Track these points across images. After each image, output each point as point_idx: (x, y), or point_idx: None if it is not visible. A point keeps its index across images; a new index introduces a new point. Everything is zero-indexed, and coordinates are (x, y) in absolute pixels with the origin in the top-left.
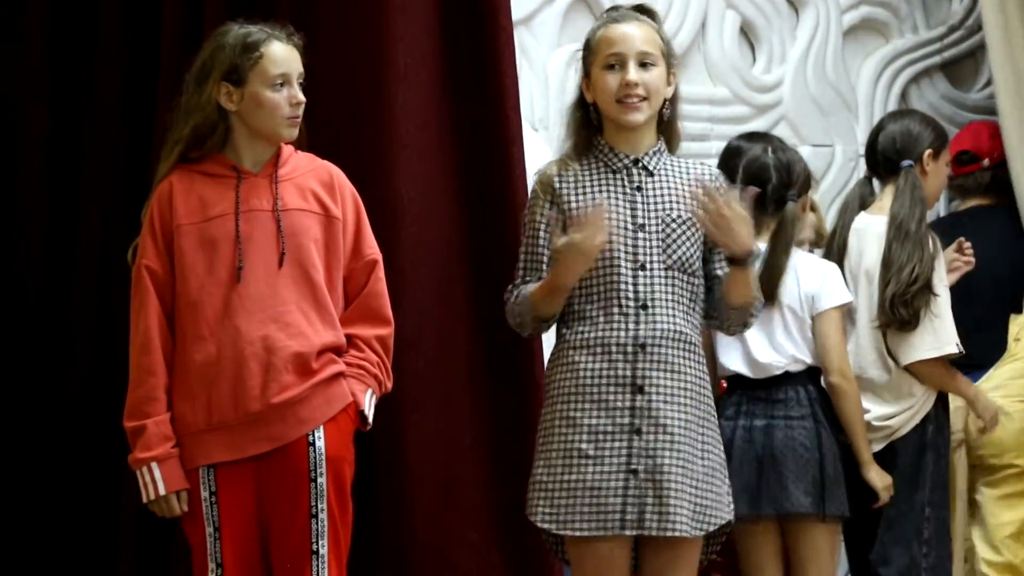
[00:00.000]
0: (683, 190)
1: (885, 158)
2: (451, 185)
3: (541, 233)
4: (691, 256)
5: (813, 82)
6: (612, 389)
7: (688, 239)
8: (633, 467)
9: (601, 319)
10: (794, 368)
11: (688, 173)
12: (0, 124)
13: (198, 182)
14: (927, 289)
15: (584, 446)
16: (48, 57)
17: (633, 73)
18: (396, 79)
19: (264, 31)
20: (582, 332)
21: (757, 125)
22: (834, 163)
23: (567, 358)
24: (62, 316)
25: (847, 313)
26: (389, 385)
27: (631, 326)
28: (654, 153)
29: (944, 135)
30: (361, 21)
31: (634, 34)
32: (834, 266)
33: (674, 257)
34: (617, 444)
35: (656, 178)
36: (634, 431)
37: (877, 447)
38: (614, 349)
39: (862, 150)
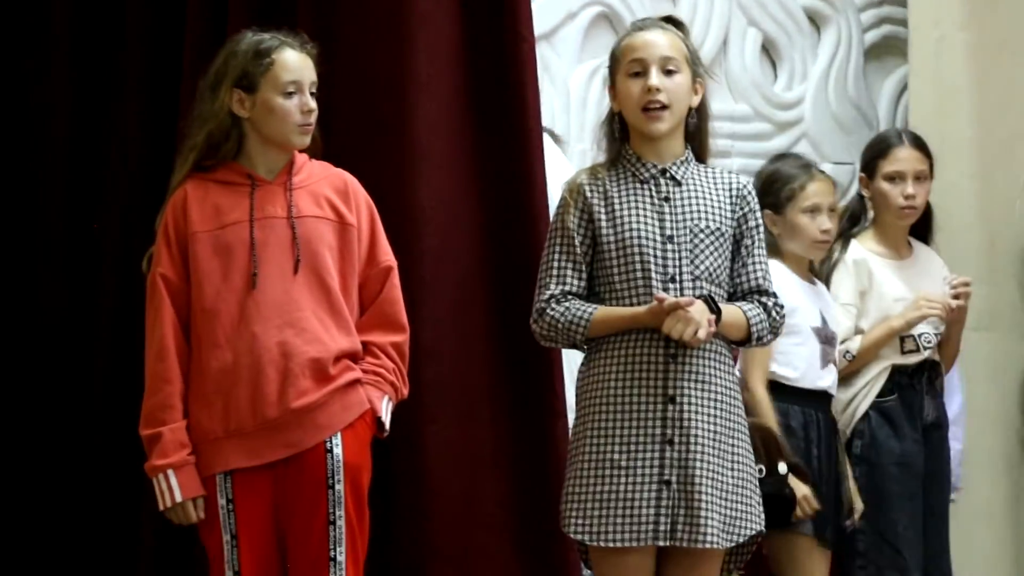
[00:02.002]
0: (711, 200)
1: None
2: (471, 196)
3: (576, 240)
4: (719, 267)
5: (834, 100)
6: (644, 399)
7: (716, 250)
8: (666, 478)
9: (632, 331)
10: None
11: (716, 182)
12: (23, 130)
13: (212, 190)
14: None
15: (616, 456)
16: (71, 65)
17: (655, 78)
18: (418, 89)
19: (277, 38)
20: (614, 343)
21: (778, 142)
22: (855, 181)
23: (599, 370)
24: (85, 324)
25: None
26: (405, 392)
27: (662, 337)
28: (681, 163)
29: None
30: (383, 32)
31: (657, 41)
32: None
33: (701, 268)
34: (649, 454)
35: (684, 188)
36: (666, 441)
37: None
38: (645, 360)
39: None
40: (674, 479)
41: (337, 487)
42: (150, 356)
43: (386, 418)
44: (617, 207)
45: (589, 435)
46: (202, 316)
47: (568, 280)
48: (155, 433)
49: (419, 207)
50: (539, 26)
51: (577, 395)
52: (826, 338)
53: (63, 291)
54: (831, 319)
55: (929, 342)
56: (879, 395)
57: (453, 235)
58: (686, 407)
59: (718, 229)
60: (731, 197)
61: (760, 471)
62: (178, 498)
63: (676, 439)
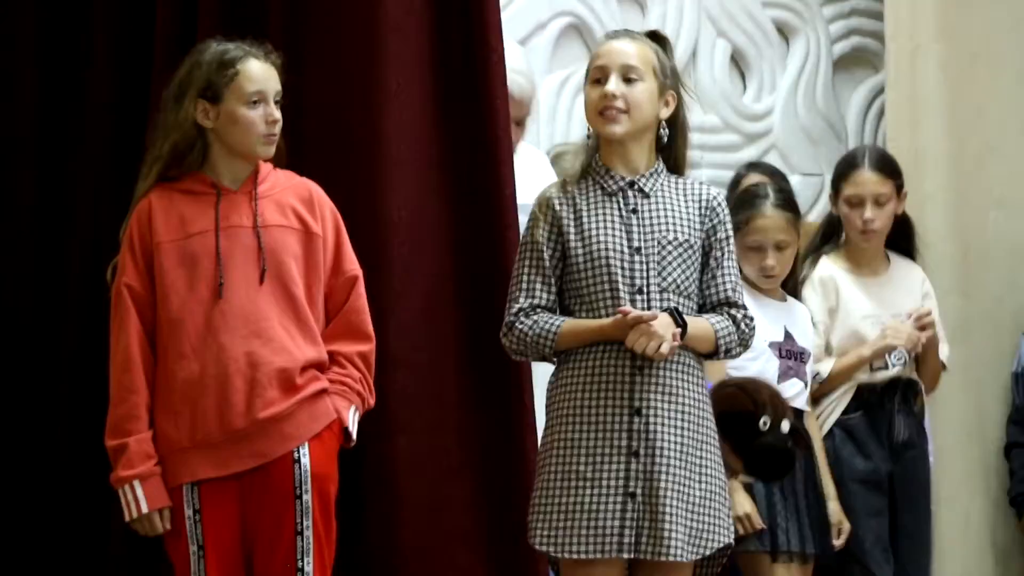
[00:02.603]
0: (680, 211)
1: None
2: (441, 205)
3: (546, 254)
4: (687, 279)
5: (803, 111)
6: (610, 411)
7: (684, 262)
8: (631, 490)
9: (600, 343)
10: None
11: (686, 194)
12: None
13: (177, 200)
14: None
15: (582, 468)
16: (38, 72)
17: (612, 85)
18: (387, 98)
19: (241, 48)
20: (581, 356)
21: (747, 154)
22: (823, 192)
23: (567, 382)
24: (51, 333)
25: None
26: (372, 401)
27: (628, 349)
28: (651, 175)
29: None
30: (353, 40)
31: (622, 49)
32: None
33: (669, 280)
34: (615, 466)
35: (652, 200)
36: (631, 453)
37: None
38: (612, 372)
39: None
40: (639, 491)
41: (304, 497)
42: (115, 367)
43: (353, 428)
44: (585, 219)
45: (556, 447)
46: (168, 326)
47: (537, 294)
48: (121, 444)
49: (388, 216)
50: (509, 37)
51: (546, 407)
52: (790, 353)
53: (29, 301)
54: (801, 335)
55: (900, 359)
56: (844, 412)
57: (422, 244)
58: (651, 419)
59: (686, 241)
60: (700, 209)
61: (764, 423)
62: (144, 509)
63: (642, 451)
